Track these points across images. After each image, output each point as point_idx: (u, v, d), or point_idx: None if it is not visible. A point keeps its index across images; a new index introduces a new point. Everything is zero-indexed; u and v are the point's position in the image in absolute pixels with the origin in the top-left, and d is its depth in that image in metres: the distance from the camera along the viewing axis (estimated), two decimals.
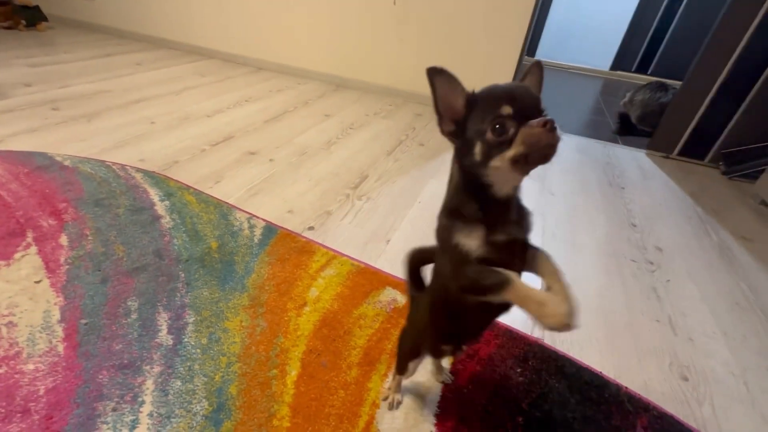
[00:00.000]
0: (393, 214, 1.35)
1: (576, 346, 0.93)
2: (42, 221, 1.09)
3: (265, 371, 0.78)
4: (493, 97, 0.42)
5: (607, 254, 1.26)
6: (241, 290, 0.96)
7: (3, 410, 0.66)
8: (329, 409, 0.73)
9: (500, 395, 0.78)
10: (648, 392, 0.83)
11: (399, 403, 0.74)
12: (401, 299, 0.98)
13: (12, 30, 3.12)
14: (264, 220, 1.22)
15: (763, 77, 1.78)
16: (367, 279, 1.04)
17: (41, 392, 0.70)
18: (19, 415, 0.66)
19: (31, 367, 0.74)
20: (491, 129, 0.40)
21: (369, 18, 2.45)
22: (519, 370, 0.84)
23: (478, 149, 0.41)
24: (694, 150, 2.06)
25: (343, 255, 1.11)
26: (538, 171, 1.54)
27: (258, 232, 1.17)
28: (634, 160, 2.04)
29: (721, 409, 0.82)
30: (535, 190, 1.61)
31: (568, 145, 2.15)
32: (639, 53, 4.01)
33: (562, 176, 1.76)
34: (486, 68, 2.29)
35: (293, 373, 0.78)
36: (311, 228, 1.23)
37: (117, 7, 3.31)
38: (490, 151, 0.40)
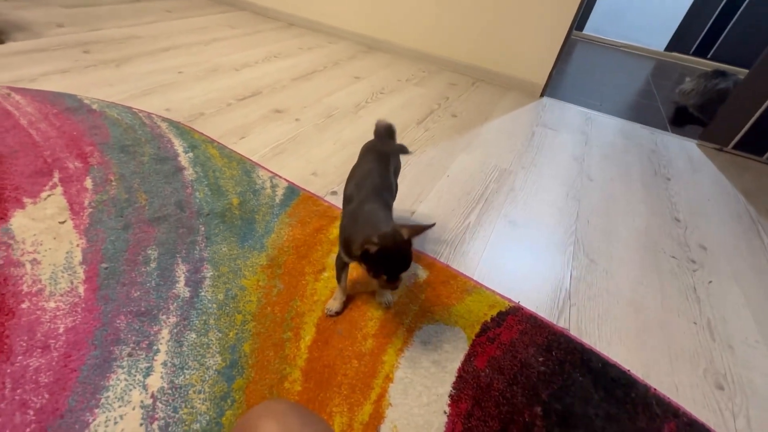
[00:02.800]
0: (420, 185, 1.29)
1: (603, 340, 0.87)
2: (68, 163, 1.09)
3: (279, 333, 0.77)
4: (384, 265, 0.68)
5: (644, 247, 1.18)
6: (260, 249, 0.94)
7: (24, 344, 0.67)
8: (341, 378, 0.71)
9: (519, 383, 0.75)
10: (678, 397, 0.78)
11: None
12: (422, 274, 0.95)
13: None
14: (287, 180, 1.19)
15: None
16: None
17: (61, 330, 0.70)
18: (39, 350, 0.67)
19: (52, 305, 0.74)
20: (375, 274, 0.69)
21: None
22: (541, 359, 0.80)
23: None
24: (753, 145, 1.88)
25: None
26: (577, 153, 1.46)
27: (280, 192, 1.13)
28: (683, 150, 1.88)
29: (757, 423, 0.76)
30: (572, 173, 1.51)
31: (612, 128, 2.00)
32: (699, 35, 3.65)
33: (602, 161, 1.65)
34: (531, 40, 2.12)
35: (307, 338, 0.77)
36: (334, 192, 1.19)
37: None
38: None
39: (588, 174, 1.53)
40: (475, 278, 0.96)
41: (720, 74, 2.26)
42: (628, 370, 0.80)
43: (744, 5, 3.35)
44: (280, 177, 1.20)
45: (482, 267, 1.01)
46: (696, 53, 3.72)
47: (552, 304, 0.94)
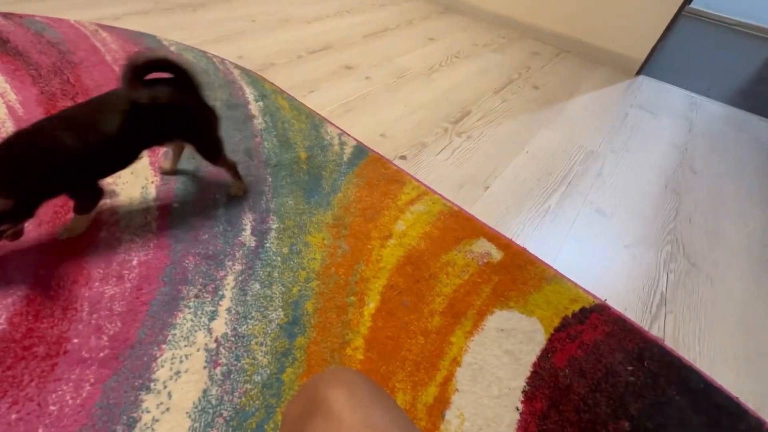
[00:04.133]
0: (495, 158, 1.18)
1: (705, 358, 0.75)
2: None
3: (342, 296, 0.73)
4: None
5: (758, 257, 1.00)
6: (326, 207, 0.89)
7: (102, 271, 0.68)
8: (406, 353, 0.66)
9: (603, 390, 0.66)
10: None
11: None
12: (496, 254, 0.86)
13: None
14: (355, 139, 1.12)
15: None
16: (460, 224, 0.92)
17: (134, 263, 0.71)
18: (114, 279, 0.68)
19: (127, 237, 0.75)
20: None
21: None
22: (630, 368, 0.70)
23: None
24: None
25: (436, 193, 0.99)
26: (678, 141, 1.24)
27: (348, 150, 1.08)
28: None
29: None
30: (672, 163, 1.31)
31: (722, 116, 1.72)
32: None
33: (709, 153, 1.42)
34: (635, 9, 1.84)
35: (371, 305, 0.72)
36: (403, 157, 1.11)
37: None
38: None
39: (691, 166, 1.32)
40: (556, 267, 0.86)
41: None
42: (737, 398, 0.68)
43: None
44: (349, 135, 1.14)
45: (563, 256, 0.90)
46: None
47: (644, 307, 0.82)
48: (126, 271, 0.69)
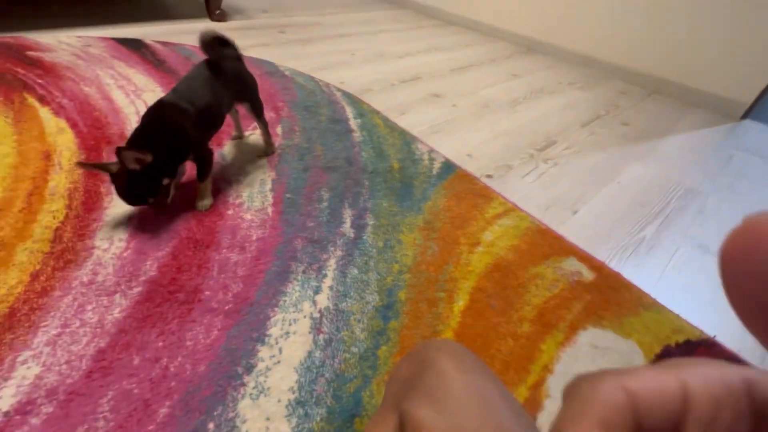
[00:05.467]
0: (583, 185, 1.17)
1: None
2: (265, 113, 1.28)
3: (432, 290, 0.76)
4: None
5: None
6: (417, 212, 0.95)
7: (228, 241, 0.80)
8: (495, 352, 0.66)
9: None
10: None
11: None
12: (587, 274, 0.84)
13: None
14: (444, 156, 1.19)
15: None
16: (548, 242, 0.91)
17: (254, 238, 0.81)
18: (237, 249, 0.78)
19: (248, 217, 0.86)
20: None
21: None
22: None
23: None
24: None
25: (523, 210, 1.00)
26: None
27: (437, 165, 1.14)
28: None
29: None
30: None
31: None
32: None
33: None
34: (740, 51, 1.75)
35: (460, 302, 0.74)
36: (489, 176, 1.15)
37: None
38: None
39: None
40: (653, 295, 0.82)
41: None
42: None
43: None
44: (438, 152, 1.21)
45: (662, 286, 0.85)
46: None
47: (759, 349, 0.74)
48: (247, 244, 0.80)
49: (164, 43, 1.66)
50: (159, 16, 2.04)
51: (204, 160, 0.84)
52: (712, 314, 0.81)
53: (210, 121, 0.85)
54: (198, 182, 0.86)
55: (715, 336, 0.75)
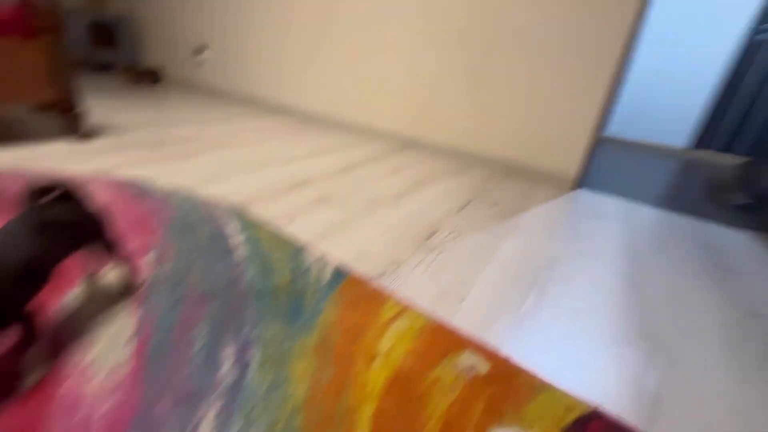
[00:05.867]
0: (467, 270, 1.25)
1: None
2: (134, 238, 1.15)
3: (331, 429, 0.68)
4: None
5: (730, 347, 1.04)
6: (309, 330, 0.89)
7: (64, 425, 0.62)
8: None
9: None
10: None
11: None
12: (483, 366, 0.85)
13: (137, 84, 3.71)
14: (334, 262, 1.18)
15: None
16: (443, 338, 0.93)
17: (102, 411, 0.65)
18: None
19: (96, 383, 0.70)
20: None
21: (443, 82, 2.58)
22: None
23: None
24: None
25: (417, 308, 1.02)
26: (627, 243, 1.39)
27: (328, 273, 1.12)
28: (739, 242, 1.79)
29: None
30: (626, 264, 1.44)
31: (655, 219, 1.96)
32: (724, 132, 3.77)
33: (655, 253, 1.57)
34: (560, 134, 2.25)
35: None
36: (382, 275, 1.16)
37: (217, 70, 3.85)
38: None
39: (644, 267, 1.45)
40: (541, 374, 0.86)
41: (760, 163, 2.25)
42: None
43: (758, 100, 3.50)
44: (328, 258, 1.20)
45: (547, 361, 0.91)
46: (723, 149, 3.79)
47: (637, 409, 0.81)
48: (92, 424, 0.63)
49: (11, 170, 1.45)
50: (12, 137, 1.81)
51: (25, 326, 0.68)
52: (592, 380, 0.87)
53: (30, 279, 0.71)
54: (21, 353, 0.68)
55: (598, 406, 0.79)
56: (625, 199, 2.21)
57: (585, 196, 2.18)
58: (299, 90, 3.32)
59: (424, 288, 1.13)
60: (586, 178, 2.53)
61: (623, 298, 1.21)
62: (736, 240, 1.80)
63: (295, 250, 1.22)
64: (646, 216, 1.98)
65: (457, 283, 1.17)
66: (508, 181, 2.28)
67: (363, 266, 1.20)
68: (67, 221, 0.78)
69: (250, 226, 1.33)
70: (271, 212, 1.48)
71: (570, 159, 2.27)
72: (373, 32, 2.76)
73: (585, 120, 2.16)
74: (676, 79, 3.83)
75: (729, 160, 3.77)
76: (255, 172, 1.89)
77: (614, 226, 1.78)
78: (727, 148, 3.77)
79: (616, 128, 4.21)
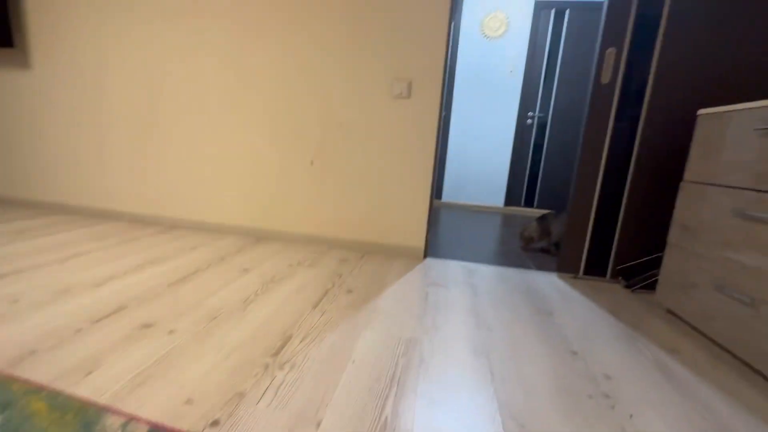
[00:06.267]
0: (323, 382, 1.13)
1: None
2: None
3: None
4: None
5: (562, 392, 1.16)
6: None
7: None
8: None
9: None
10: None
11: None
12: None
13: None
14: (148, 422, 0.91)
15: (624, 203, 2.17)
16: None
17: None
18: None
19: None
20: None
21: (287, 173, 2.60)
22: None
23: None
24: (595, 269, 2.28)
25: None
26: (470, 306, 1.51)
27: None
28: (549, 284, 2.16)
29: None
30: (472, 328, 1.54)
31: (491, 275, 2.24)
32: (523, 190, 4.80)
33: (494, 309, 1.75)
34: (401, 211, 2.46)
35: None
36: (216, 423, 0.94)
37: (7, 177, 3.09)
38: None
39: (486, 324, 1.58)
40: None
41: (553, 216, 2.88)
42: None
43: (542, 164, 4.64)
44: (139, 419, 0.92)
45: None
46: (525, 205, 4.81)
47: None
48: None
49: None
50: None
51: None
52: None
53: None
54: None
55: None
56: (466, 260, 2.49)
57: (433, 264, 2.37)
58: (125, 193, 2.88)
59: (273, 422, 0.95)
60: (432, 247, 2.79)
61: (475, 369, 1.26)
62: (546, 282, 2.18)
63: (86, 421, 0.90)
64: (484, 273, 2.24)
65: (312, 406, 1.03)
66: (363, 261, 2.32)
67: (192, 415, 0.96)
68: None
69: (16, 398, 0.95)
70: (58, 366, 1.10)
71: (415, 231, 2.48)
72: (206, 128, 2.66)
73: (420, 194, 2.43)
74: (485, 153, 4.82)
75: (532, 212, 4.78)
76: (43, 307, 1.44)
77: (460, 291, 1.94)
78: (528, 203, 4.80)
79: (449, 195, 4.94)
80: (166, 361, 1.18)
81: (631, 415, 1.08)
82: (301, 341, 1.35)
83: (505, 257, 2.66)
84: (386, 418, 1.01)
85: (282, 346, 1.30)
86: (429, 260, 2.45)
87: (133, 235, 2.50)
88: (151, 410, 0.96)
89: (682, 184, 1.78)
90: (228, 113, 2.60)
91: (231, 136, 2.63)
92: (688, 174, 1.76)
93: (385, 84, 2.36)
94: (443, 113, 2.44)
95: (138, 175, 2.83)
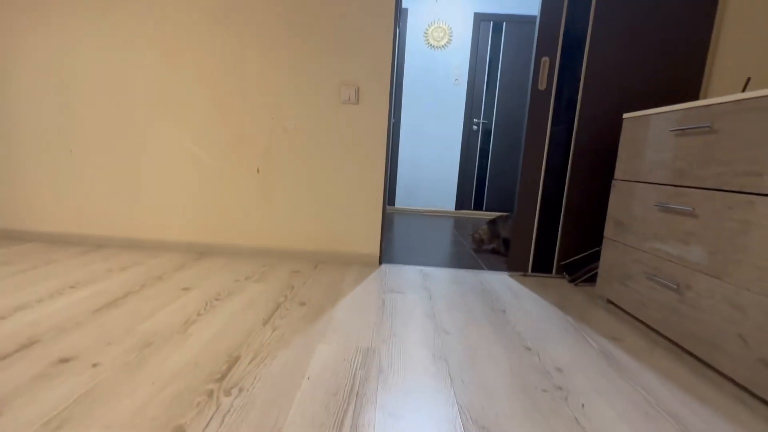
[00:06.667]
0: (276, 404, 1.04)
1: None
2: None
3: None
4: None
5: (519, 390, 1.17)
6: None
7: None
8: None
9: None
10: None
11: None
12: None
13: None
14: None
15: (564, 202, 2.30)
16: None
17: None
18: None
19: None
20: None
21: (231, 182, 2.45)
22: None
23: None
24: (542, 265, 2.39)
25: None
26: (427, 310, 1.49)
27: None
28: (502, 283, 2.22)
29: None
30: (430, 332, 1.53)
31: (445, 278, 2.25)
32: (472, 194, 4.97)
33: (450, 311, 1.76)
34: (355, 218, 2.41)
35: None
36: None
37: None
38: None
39: (443, 328, 1.58)
40: None
41: (502, 218, 2.98)
42: None
43: (489, 168, 4.83)
44: None
45: None
46: (475, 208, 4.97)
47: None
48: None
49: None
50: None
51: None
52: None
53: None
54: None
55: None
56: (419, 264, 2.49)
57: (389, 270, 2.34)
58: (40, 211, 2.55)
59: None
60: (387, 253, 2.77)
61: (434, 374, 1.24)
62: (498, 281, 2.24)
63: None
64: (437, 276, 2.26)
65: (264, 430, 0.94)
66: (316, 271, 2.24)
67: None
68: None
69: None
70: None
71: (369, 237, 2.44)
72: (133, 134, 2.43)
73: (373, 200, 2.40)
74: (435, 159, 4.92)
75: (483, 215, 4.96)
76: None
77: (416, 296, 1.93)
78: (477, 207, 4.97)
79: (402, 201, 4.98)
80: (88, 399, 1.02)
81: (583, 405, 1.11)
82: (250, 362, 1.24)
83: (459, 259, 2.71)
84: None
85: (228, 369, 1.19)
86: (384, 266, 2.42)
87: (50, 258, 2.21)
88: None
89: (613, 182, 1.93)
90: (161, 118, 2.41)
91: (164, 143, 2.43)
92: (619, 173, 1.90)
93: (332, 89, 2.32)
94: (393, 120, 2.44)
95: (52, 190, 2.51)
